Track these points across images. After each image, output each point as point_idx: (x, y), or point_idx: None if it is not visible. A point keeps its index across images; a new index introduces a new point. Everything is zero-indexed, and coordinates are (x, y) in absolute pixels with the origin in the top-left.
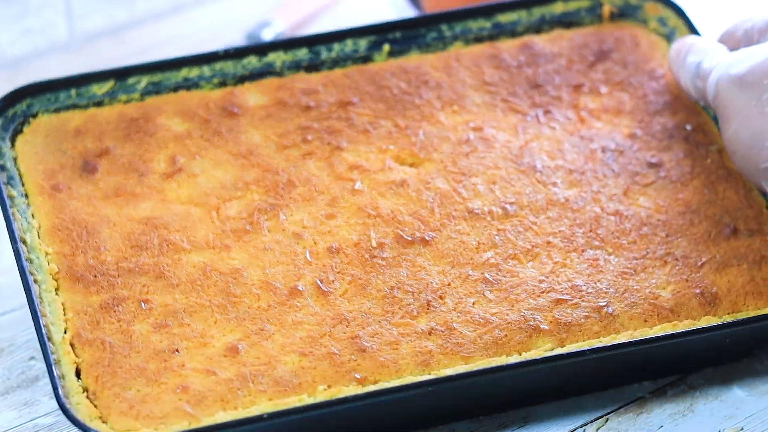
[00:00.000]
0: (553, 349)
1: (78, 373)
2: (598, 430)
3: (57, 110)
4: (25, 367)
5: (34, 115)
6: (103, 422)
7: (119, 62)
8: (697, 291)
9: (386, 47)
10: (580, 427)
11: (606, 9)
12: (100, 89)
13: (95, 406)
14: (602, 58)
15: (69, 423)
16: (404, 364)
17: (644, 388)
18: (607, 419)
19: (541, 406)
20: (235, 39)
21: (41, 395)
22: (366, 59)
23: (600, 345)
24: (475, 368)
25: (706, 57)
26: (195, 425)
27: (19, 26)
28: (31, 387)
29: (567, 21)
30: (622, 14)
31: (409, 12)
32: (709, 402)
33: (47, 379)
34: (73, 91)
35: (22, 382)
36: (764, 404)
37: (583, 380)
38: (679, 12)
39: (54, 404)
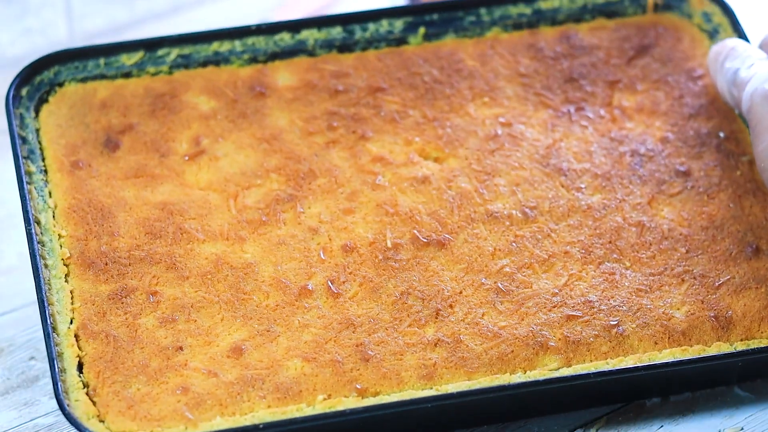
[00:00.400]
0: (558, 368)
1: (80, 368)
2: (598, 430)
3: (84, 80)
4: (25, 367)
5: (61, 84)
6: (101, 421)
7: None
8: (712, 314)
9: (422, 30)
10: (580, 427)
11: (650, 0)
12: (129, 59)
13: (94, 404)
14: (642, 53)
15: (69, 423)
16: (407, 376)
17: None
18: (607, 419)
19: None
20: None
21: (41, 395)
22: (401, 41)
23: (605, 369)
24: (476, 386)
25: (744, 65)
26: (191, 430)
27: (19, 26)
28: (31, 387)
29: (609, 10)
30: (667, 6)
31: None
32: (709, 402)
33: (47, 379)
34: (101, 60)
35: (22, 382)
36: (764, 404)
37: (586, 398)
38: (725, 8)
39: (54, 404)
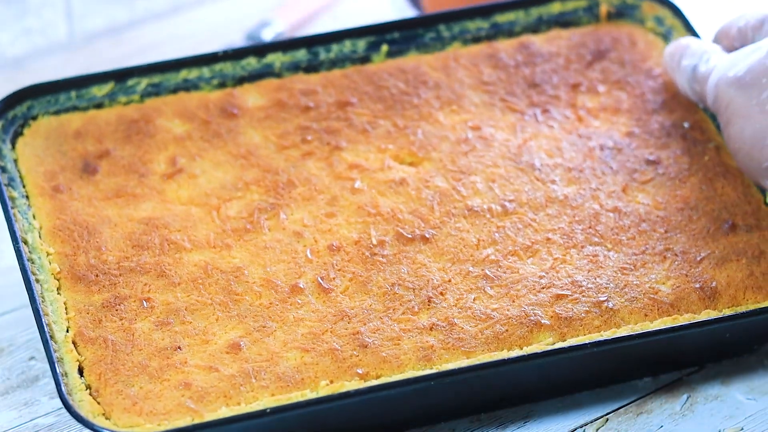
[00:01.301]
0: (554, 344)
1: (81, 371)
2: (598, 430)
3: (57, 112)
4: (25, 367)
5: (35, 117)
6: (106, 419)
7: (119, 62)
8: (697, 285)
9: (384, 48)
10: (580, 427)
11: (603, 9)
12: (100, 91)
13: (98, 403)
14: (599, 58)
15: (69, 423)
16: (406, 359)
17: (644, 388)
18: (607, 419)
19: (542, 405)
20: (235, 39)
21: (41, 395)
22: (364, 60)
23: (601, 338)
24: (477, 362)
25: (701, 60)
26: (198, 420)
27: (19, 26)
28: (31, 387)
29: (564, 21)
30: (619, 14)
31: (408, 12)
32: (709, 402)
33: (47, 379)
34: (73, 93)
35: (22, 382)
36: (764, 404)
37: (584, 375)
38: (676, 11)
39: (54, 404)
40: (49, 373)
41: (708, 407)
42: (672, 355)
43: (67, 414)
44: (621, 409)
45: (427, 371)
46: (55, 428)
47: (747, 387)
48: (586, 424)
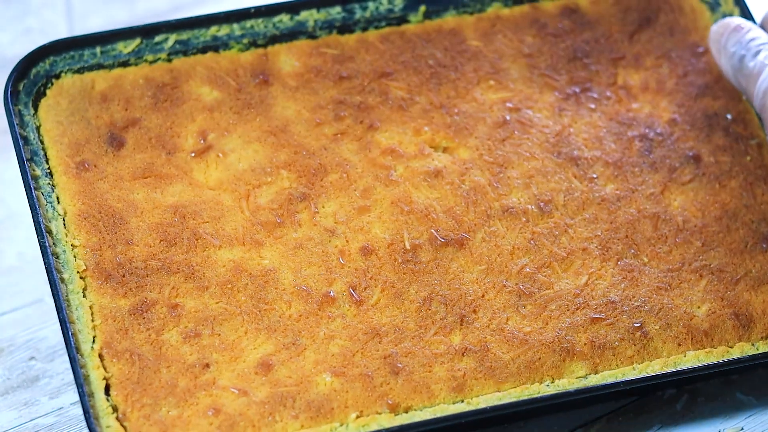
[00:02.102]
0: (586, 375)
1: (107, 389)
2: (598, 430)
3: (80, 70)
4: (25, 367)
5: (57, 76)
6: None
7: None
8: (732, 312)
9: (422, 7)
10: (580, 427)
11: None
12: (125, 47)
13: (125, 429)
14: (644, 26)
15: (69, 423)
16: (437, 389)
17: None
18: (608, 419)
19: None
20: None
21: (41, 395)
22: (401, 20)
23: (633, 378)
24: (508, 399)
25: (749, 51)
26: None
27: (19, 26)
28: (31, 387)
29: None
30: None
31: None
32: (709, 402)
33: (47, 379)
34: (98, 49)
35: (22, 382)
36: (764, 404)
37: (609, 400)
38: None
39: (54, 404)
40: (50, 373)
41: (708, 407)
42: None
43: (67, 414)
44: (621, 409)
45: (457, 405)
46: (55, 428)
47: (747, 387)
48: (586, 424)
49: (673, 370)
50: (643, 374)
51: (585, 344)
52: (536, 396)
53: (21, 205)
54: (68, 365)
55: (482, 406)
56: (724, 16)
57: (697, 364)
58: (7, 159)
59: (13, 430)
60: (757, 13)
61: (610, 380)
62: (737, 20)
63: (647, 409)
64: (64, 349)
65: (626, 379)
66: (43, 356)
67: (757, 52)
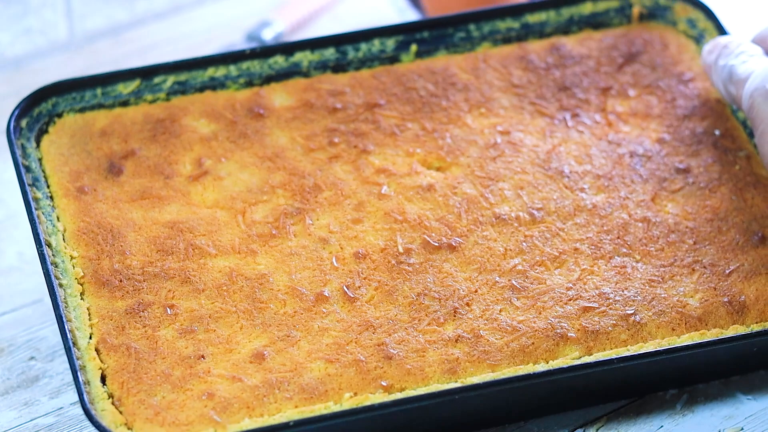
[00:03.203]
0: (580, 357)
1: (103, 380)
2: (598, 430)
3: (82, 109)
4: (25, 367)
5: (60, 115)
6: (129, 429)
7: (119, 62)
8: (725, 300)
9: (413, 47)
10: (580, 427)
11: (635, 10)
12: (125, 88)
13: (120, 413)
14: (631, 60)
15: (69, 423)
16: (431, 371)
17: None
18: (607, 419)
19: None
20: (235, 39)
21: (41, 395)
22: (393, 59)
23: (627, 354)
24: (501, 377)
25: (738, 61)
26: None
27: (19, 26)
28: (31, 387)
29: (596, 22)
30: (651, 15)
31: (409, 12)
32: (709, 402)
33: (47, 379)
34: (98, 90)
35: (22, 382)
36: (764, 404)
37: (607, 388)
38: (709, 13)
39: (54, 404)
40: (50, 373)
41: (708, 407)
42: (698, 370)
43: (67, 414)
44: (621, 409)
45: (452, 384)
46: (55, 428)
47: (747, 387)
48: (586, 424)
49: (669, 347)
50: (639, 351)
51: (578, 330)
52: (531, 372)
53: (21, 205)
54: (68, 365)
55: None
56: None
57: (694, 341)
58: (7, 159)
59: (13, 430)
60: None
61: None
62: (727, 38)
63: (647, 409)
64: (64, 349)
65: (621, 356)
66: (43, 356)
67: (746, 61)
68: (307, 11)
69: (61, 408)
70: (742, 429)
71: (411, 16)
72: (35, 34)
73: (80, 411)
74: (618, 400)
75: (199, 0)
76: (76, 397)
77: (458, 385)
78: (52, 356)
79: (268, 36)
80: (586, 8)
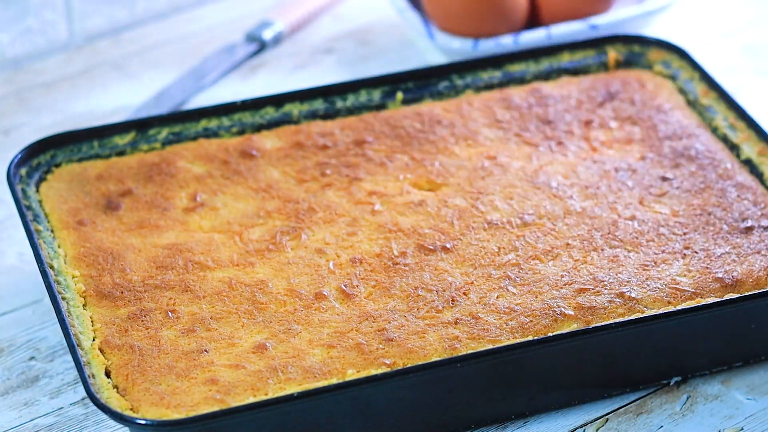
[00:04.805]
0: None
1: (108, 375)
2: (598, 430)
3: (80, 160)
4: (25, 367)
5: (58, 165)
6: (135, 413)
7: (119, 62)
8: (719, 275)
9: (399, 95)
10: (580, 427)
11: (611, 55)
12: (122, 140)
13: (126, 400)
14: (610, 99)
15: (69, 423)
16: (432, 350)
17: (644, 388)
18: (607, 419)
19: (542, 405)
20: (235, 39)
21: (41, 395)
22: (380, 107)
23: (626, 319)
24: (504, 344)
25: None
26: (226, 407)
27: (19, 26)
28: (31, 387)
29: (574, 69)
30: (627, 61)
31: (409, 12)
32: (709, 402)
33: (47, 379)
34: (95, 142)
35: (22, 382)
36: (764, 404)
37: (606, 370)
38: (682, 54)
39: (54, 404)
40: (50, 373)
41: (708, 407)
42: (698, 349)
43: (67, 414)
44: (621, 409)
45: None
46: (55, 428)
47: (747, 387)
48: (586, 424)
49: (666, 311)
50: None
51: (575, 307)
52: (532, 339)
53: None
54: (68, 365)
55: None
56: (685, 81)
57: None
58: (7, 159)
59: (13, 430)
60: (713, 71)
61: None
62: None
63: (647, 409)
64: (64, 349)
65: (619, 321)
66: (43, 356)
67: None
68: (307, 11)
69: (61, 408)
70: (742, 429)
71: (411, 16)
72: (35, 34)
73: (80, 411)
74: (619, 387)
75: (199, 0)
76: (76, 397)
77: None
78: (52, 356)
79: (268, 36)
80: (564, 57)
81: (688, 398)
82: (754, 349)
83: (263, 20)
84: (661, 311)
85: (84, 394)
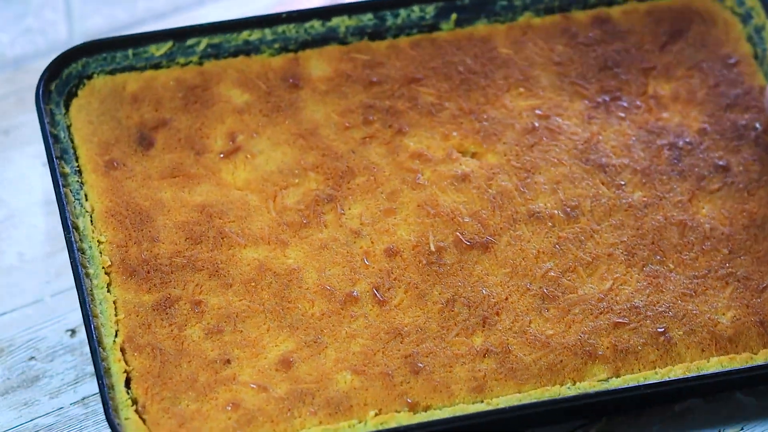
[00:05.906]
0: (608, 378)
1: (127, 382)
2: (598, 430)
3: (113, 72)
4: (25, 367)
5: (89, 77)
6: None
7: None
8: (757, 320)
9: (454, 15)
10: (580, 427)
11: None
12: (157, 50)
13: (144, 422)
14: (675, 38)
15: (69, 423)
16: (457, 389)
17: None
18: (608, 419)
19: None
20: None
21: (41, 395)
22: (432, 27)
23: (654, 381)
24: (528, 400)
25: None
26: None
27: (19, 26)
28: (31, 387)
29: None
30: None
31: None
32: (709, 403)
33: (47, 379)
34: (130, 52)
35: (22, 382)
36: (764, 404)
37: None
38: None
39: (54, 404)
40: (50, 373)
41: (708, 408)
42: (720, 387)
43: (68, 414)
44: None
45: (476, 405)
46: (55, 428)
47: (747, 387)
48: (586, 425)
49: (695, 374)
50: (665, 378)
51: (607, 348)
52: (557, 398)
53: (21, 204)
54: (68, 365)
55: (501, 406)
56: (756, 28)
57: (720, 369)
58: (7, 159)
59: (13, 430)
60: None
61: (632, 384)
62: None
63: (647, 411)
64: (64, 349)
65: (649, 382)
66: (43, 356)
67: None
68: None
69: (61, 408)
70: (742, 429)
71: None
72: (35, 34)
73: (80, 411)
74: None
75: (199, 0)
76: (76, 397)
77: (483, 405)
78: (52, 356)
79: None
80: None
81: (688, 399)
82: None
83: None
84: (689, 375)
85: (84, 394)
